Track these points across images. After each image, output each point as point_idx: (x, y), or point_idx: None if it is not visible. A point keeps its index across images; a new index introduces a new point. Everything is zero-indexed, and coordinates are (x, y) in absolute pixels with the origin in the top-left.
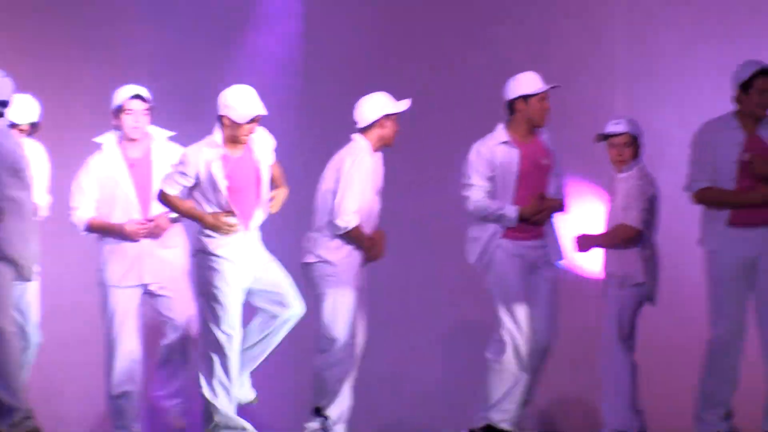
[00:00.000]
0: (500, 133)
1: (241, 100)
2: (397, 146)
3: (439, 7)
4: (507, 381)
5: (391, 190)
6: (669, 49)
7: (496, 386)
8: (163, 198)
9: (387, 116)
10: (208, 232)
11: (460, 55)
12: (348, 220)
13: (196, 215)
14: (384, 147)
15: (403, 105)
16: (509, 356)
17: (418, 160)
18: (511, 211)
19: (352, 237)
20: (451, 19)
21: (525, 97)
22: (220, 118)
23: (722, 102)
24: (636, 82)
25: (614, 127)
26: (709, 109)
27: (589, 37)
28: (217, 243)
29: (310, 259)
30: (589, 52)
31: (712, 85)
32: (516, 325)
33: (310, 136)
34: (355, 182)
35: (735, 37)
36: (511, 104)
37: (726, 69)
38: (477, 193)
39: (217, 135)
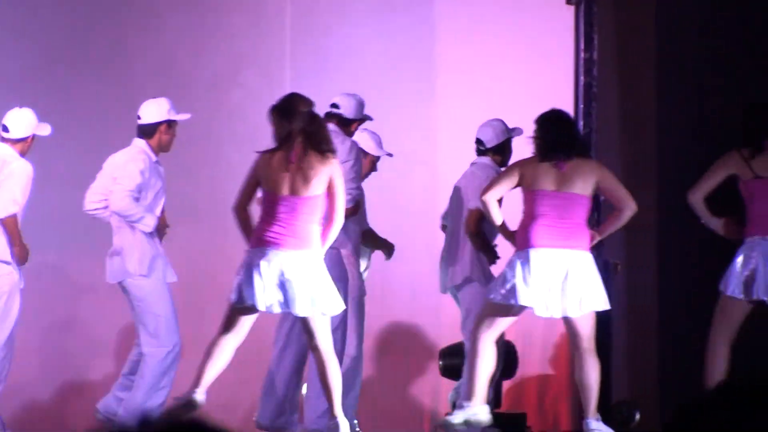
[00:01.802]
0: None
1: None
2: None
3: None
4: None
5: None
6: (338, 45)
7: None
8: None
9: None
10: None
11: (123, 49)
12: None
13: None
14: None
15: None
16: None
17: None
18: None
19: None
20: (113, 9)
21: None
22: None
23: (393, 97)
24: (307, 77)
25: None
26: (379, 103)
27: (255, 32)
28: None
29: None
30: (255, 47)
31: (383, 79)
32: None
33: None
34: None
35: (407, 32)
36: None
37: (392, 64)
38: None
39: None
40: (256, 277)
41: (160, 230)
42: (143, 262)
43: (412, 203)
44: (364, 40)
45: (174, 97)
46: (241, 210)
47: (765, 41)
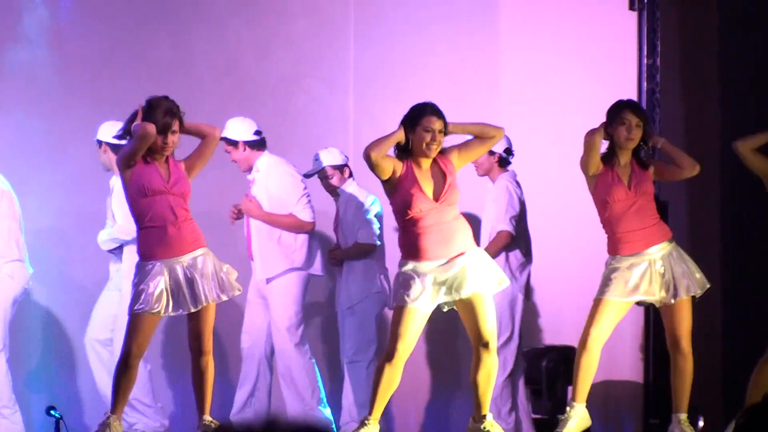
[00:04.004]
0: None
1: None
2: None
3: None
4: None
5: None
6: (402, 51)
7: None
8: None
9: None
10: None
11: (188, 53)
12: None
13: None
14: None
15: None
16: None
17: None
18: None
19: None
20: (178, 14)
21: None
22: None
23: (457, 103)
24: (371, 83)
25: None
26: (443, 109)
27: (320, 37)
28: None
29: None
30: (320, 53)
31: (448, 84)
32: None
33: None
34: None
35: (471, 37)
36: None
37: (455, 69)
38: None
39: None
40: None
41: None
42: None
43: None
44: (429, 46)
45: (238, 102)
46: None
47: None
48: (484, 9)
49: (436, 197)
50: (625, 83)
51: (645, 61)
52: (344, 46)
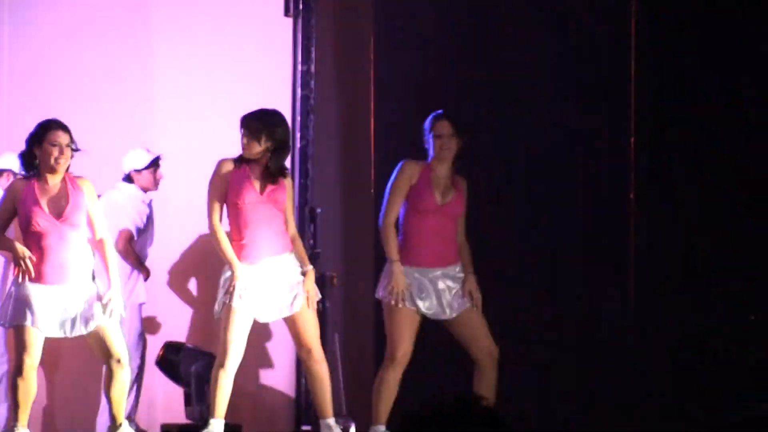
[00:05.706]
0: None
1: None
2: None
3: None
4: None
5: None
6: (54, 54)
7: None
8: None
9: None
10: None
11: None
12: None
13: None
14: None
15: None
16: None
17: None
18: None
19: None
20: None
21: None
22: None
23: (107, 106)
24: (25, 86)
25: None
26: (98, 113)
27: None
28: None
29: None
30: None
31: (97, 87)
32: None
33: None
34: None
35: (124, 45)
36: None
37: (107, 74)
38: None
39: None
40: None
41: None
42: None
43: None
44: (82, 50)
45: None
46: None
47: (486, 54)
48: (137, 10)
49: (57, 216)
50: (279, 89)
51: (300, 67)
52: None
